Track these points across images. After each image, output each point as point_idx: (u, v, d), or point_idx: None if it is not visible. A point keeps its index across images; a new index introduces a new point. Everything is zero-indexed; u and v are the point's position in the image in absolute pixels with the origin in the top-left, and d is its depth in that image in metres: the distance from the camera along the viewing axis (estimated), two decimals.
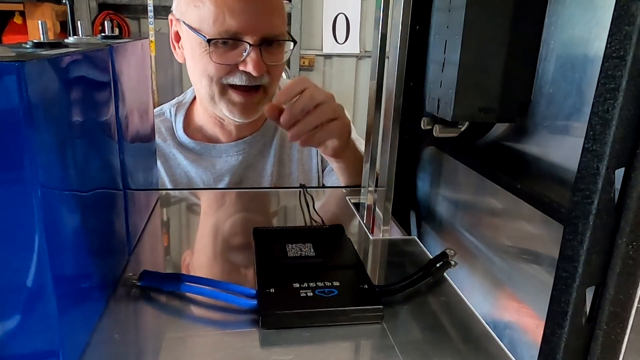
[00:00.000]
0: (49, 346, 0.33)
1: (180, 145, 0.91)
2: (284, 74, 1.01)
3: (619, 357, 0.30)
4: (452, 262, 0.50)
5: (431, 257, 0.57)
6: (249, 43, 0.77)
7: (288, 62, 2.62)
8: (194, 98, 0.94)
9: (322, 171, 0.98)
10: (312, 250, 0.51)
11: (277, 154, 0.93)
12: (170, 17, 0.86)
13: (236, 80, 0.79)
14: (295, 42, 0.86)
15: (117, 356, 0.39)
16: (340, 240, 0.56)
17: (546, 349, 0.32)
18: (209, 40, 0.77)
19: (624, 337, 0.30)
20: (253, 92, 0.81)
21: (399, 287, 0.47)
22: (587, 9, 0.38)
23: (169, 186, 0.90)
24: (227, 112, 0.83)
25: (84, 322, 0.39)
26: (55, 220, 0.32)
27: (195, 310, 0.44)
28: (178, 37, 0.85)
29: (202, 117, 0.92)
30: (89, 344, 0.39)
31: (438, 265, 0.49)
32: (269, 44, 0.79)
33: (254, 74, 0.77)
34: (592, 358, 0.30)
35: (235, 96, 0.80)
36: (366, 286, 0.45)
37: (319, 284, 0.45)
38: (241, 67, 0.78)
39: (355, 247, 0.54)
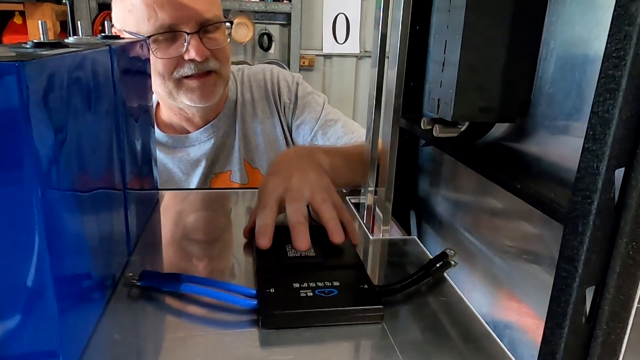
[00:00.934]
0: (49, 346, 0.33)
1: (155, 142, 0.94)
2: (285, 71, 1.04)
3: (619, 357, 0.30)
4: (452, 262, 0.50)
5: (431, 257, 0.57)
6: (186, 32, 0.80)
7: (288, 63, 2.62)
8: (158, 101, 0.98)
9: (291, 134, 1.00)
10: (312, 250, 0.51)
11: (241, 129, 0.97)
12: (113, 30, 0.88)
13: (186, 71, 0.83)
14: (231, 23, 0.91)
15: (117, 356, 0.39)
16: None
17: (546, 349, 0.32)
18: (148, 38, 0.79)
19: (624, 337, 0.30)
20: (207, 75, 0.85)
21: (399, 287, 0.47)
22: (587, 9, 0.38)
23: None
24: (188, 102, 0.86)
25: (84, 322, 0.39)
26: (55, 220, 0.32)
27: (195, 310, 0.44)
28: None
29: (167, 114, 0.96)
30: (89, 344, 0.39)
31: (438, 265, 0.49)
32: (206, 29, 0.83)
33: (197, 59, 0.81)
34: (592, 358, 0.30)
35: (190, 83, 0.84)
36: (366, 286, 0.45)
37: (319, 284, 0.45)
38: (186, 57, 0.82)
39: (355, 247, 0.54)
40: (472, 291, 0.48)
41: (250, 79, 1.01)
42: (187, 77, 0.84)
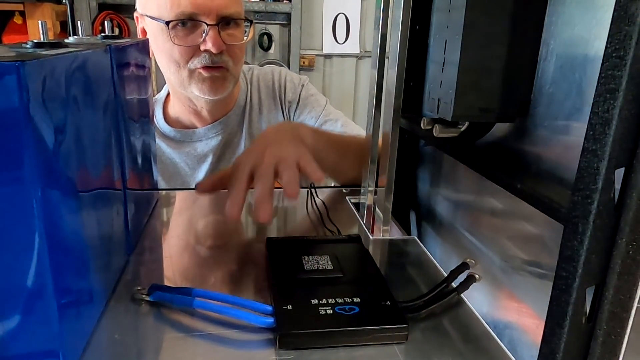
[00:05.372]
0: (49, 346, 0.33)
1: (163, 136, 0.97)
2: (287, 69, 1.06)
3: (619, 357, 0.30)
4: (477, 276, 0.47)
5: (431, 257, 0.57)
6: (206, 23, 0.82)
7: (288, 63, 2.62)
8: (168, 94, 1.00)
9: None
10: (329, 263, 0.49)
11: (248, 129, 0.99)
12: (135, 14, 0.91)
13: (200, 61, 0.84)
14: (251, 22, 0.92)
15: (117, 356, 0.39)
16: (358, 252, 0.54)
17: (546, 349, 0.32)
18: (168, 23, 0.81)
19: (624, 337, 0.30)
20: (218, 69, 0.86)
21: (423, 302, 0.45)
22: (587, 9, 0.38)
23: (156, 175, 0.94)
24: (198, 92, 0.88)
25: (84, 322, 0.39)
26: (55, 220, 0.32)
27: (206, 327, 0.42)
28: (144, 33, 0.90)
29: (178, 108, 0.97)
30: (89, 344, 0.39)
31: (461, 279, 0.48)
32: (226, 23, 0.85)
33: (213, 50, 0.82)
34: (592, 358, 0.30)
35: (202, 73, 0.86)
36: (388, 303, 0.43)
37: (339, 300, 0.43)
38: (202, 47, 0.83)
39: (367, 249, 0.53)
40: (472, 291, 0.48)
41: (259, 79, 1.03)
42: (199, 67, 0.85)
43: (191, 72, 0.86)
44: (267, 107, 1.01)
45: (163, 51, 0.85)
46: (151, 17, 0.84)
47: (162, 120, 0.97)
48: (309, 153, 0.61)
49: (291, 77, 1.04)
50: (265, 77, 1.03)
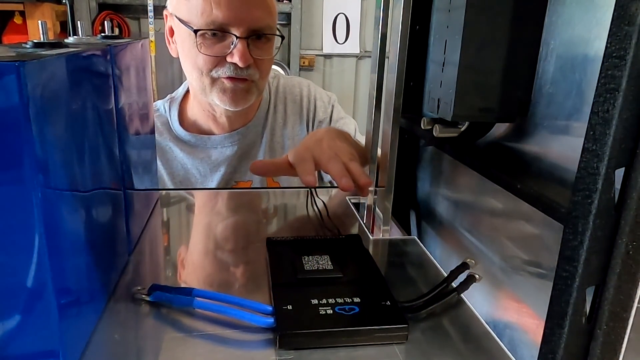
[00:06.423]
0: (49, 346, 0.33)
1: (176, 139, 0.94)
2: (281, 71, 1.04)
3: (619, 357, 0.30)
4: (477, 276, 0.47)
5: (431, 257, 0.57)
6: (235, 35, 0.79)
7: (288, 63, 2.62)
8: (186, 93, 0.97)
9: None
10: (329, 263, 0.49)
11: (268, 142, 0.97)
12: (165, 12, 0.89)
13: (225, 71, 0.82)
14: (283, 38, 0.89)
15: (117, 356, 0.39)
16: (358, 252, 0.54)
17: (546, 349, 0.32)
18: (196, 31, 0.79)
19: (624, 337, 0.30)
20: (242, 80, 0.84)
21: (423, 302, 0.45)
22: (587, 9, 0.38)
23: (166, 179, 0.93)
24: (218, 101, 0.85)
25: (84, 322, 0.39)
26: (55, 220, 0.32)
27: (206, 327, 0.42)
28: (172, 32, 0.88)
29: (196, 110, 0.94)
30: (89, 344, 0.39)
31: (461, 279, 0.48)
32: (257, 37, 0.82)
33: (239, 64, 0.80)
34: (592, 358, 0.30)
35: (225, 83, 0.83)
36: (388, 303, 0.43)
37: (339, 300, 0.43)
38: (228, 59, 0.81)
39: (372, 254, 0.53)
40: (472, 291, 0.48)
41: (285, 90, 1.00)
42: (223, 77, 0.83)
43: (214, 81, 0.83)
44: (292, 122, 0.98)
45: (188, 56, 0.83)
46: (180, 20, 0.82)
47: (177, 122, 0.94)
48: (354, 151, 0.67)
49: (320, 94, 1.01)
50: (292, 91, 1.00)
